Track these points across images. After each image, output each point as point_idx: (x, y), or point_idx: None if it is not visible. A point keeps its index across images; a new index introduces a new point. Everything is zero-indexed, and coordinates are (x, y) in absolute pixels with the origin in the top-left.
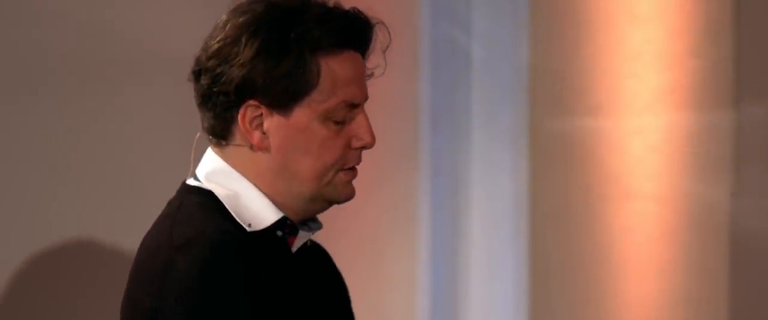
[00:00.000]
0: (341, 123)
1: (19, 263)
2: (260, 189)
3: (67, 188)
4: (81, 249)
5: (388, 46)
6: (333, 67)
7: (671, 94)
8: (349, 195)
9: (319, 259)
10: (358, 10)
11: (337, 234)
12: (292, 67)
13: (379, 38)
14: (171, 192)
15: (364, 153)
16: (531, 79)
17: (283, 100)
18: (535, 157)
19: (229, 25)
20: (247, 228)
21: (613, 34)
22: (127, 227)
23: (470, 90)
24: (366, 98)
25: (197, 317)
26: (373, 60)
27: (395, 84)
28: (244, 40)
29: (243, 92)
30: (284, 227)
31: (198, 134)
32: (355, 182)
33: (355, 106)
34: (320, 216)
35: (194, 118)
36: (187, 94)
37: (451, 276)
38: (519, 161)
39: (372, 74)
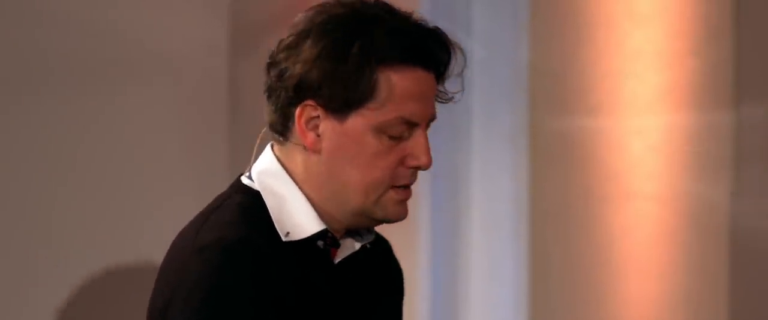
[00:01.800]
0: (397, 139)
1: (19, 263)
2: (308, 196)
3: (67, 188)
4: (81, 248)
5: (463, 70)
6: (394, 81)
7: (671, 94)
8: (400, 215)
9: (376, 260)
10: (439, 30)
11: None
12: (350, 73)
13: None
14: (171, 192)
15: None
16: (531, 79)
17: (338, 105)
18: (535, 156)
19: (304, 22)
20: (284, 238)
21: (613, 34)
22: (128, 226)
23: (470, 90)
24: (430, 118)
25: None
26: (456, 83)
27: None
28: (310, 38)
29: (301, 91)
30: (325, 238)
31: (263, 129)
32: None
33: (413, 124)
34: None
35: (194, 117)
36: (187, 94)
37: (451, 277)
38: (519, 161)
39: (452, 98)
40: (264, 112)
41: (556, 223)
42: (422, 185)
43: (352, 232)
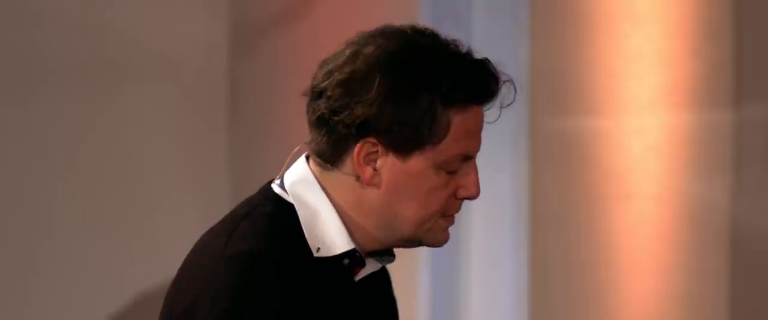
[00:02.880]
0: (453, 173)
1: (19, 262)
2: (341, 215)
3: (66, 187)
4: (81, 248)
5: (511, 103)
6: (458, 121)
7: (671, 94)
8: (445, 241)
9: (380, 284)
10: (489, 62)
11: None
12: (421, 116)
13: (502, 93)
14: (170, 191)
15: None
16: (531, 79)
17: (405, 146)
18: (535, 157)
19: (358, 58)
20: (315, 253)
21: (613, 34)
22: (128, 226)
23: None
24: (479, 150)
25: None
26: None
27: None
28: (376, 79)
29: (365, 129)
30: (352, 257)
31: (297, 147)
32: None
33: (469, 157)
34: None
35: (193, 117)
36: (186, 94)
37: (451, 277)
38: (519, 161)
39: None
40: (311, 138)
41: (556, 223)
42: None
43: (373, 253)
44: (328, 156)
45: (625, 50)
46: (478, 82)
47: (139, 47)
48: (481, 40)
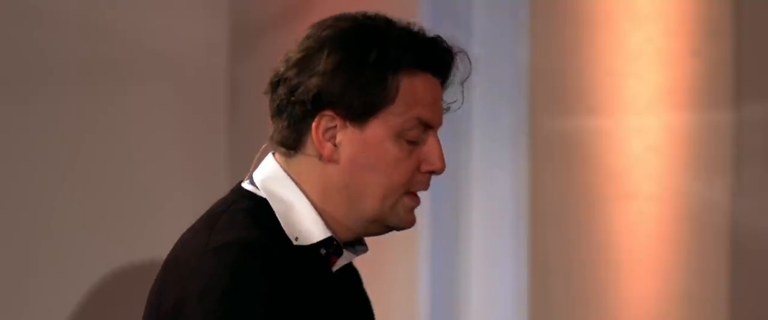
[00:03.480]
0: (414, 144)
1: (19, 262)
2: (314, 205)
3: (66, 187)
4: (81, 248)
5: (467, 78)
6: (411, 85)
7: (671, 94)
8: (411, 223)
9: (352, 280)
10: (442, 38)
11: None
12: (371, 80)
13: (459, 69)
14: (170, 191)
15: None
16: (531, 79)
17: (359, 112)
18: (535, 157)
19: (311, 39)
20: (294, 242)
21: (613, 34)
22: (127, 226)
23: (470, 90)
24: (440, 124)
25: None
26: (451, 93)
27: None
28: (325, 52)
29: (319, 102)
30: (329, 246)
31: (264, 145)
32: None
33: (428, 127)
34: None
35: (193, 117)
36: (186, 94)
37: (451, 276)
38: (519, 161)
39: (449, 108)
40: (273, 130)
41: (556, 223)
42: None
43: (347, 244)
44: (291, 141)
45: (625, 49)
46: (425, 48)
47: (139, 47)
48: (481, 40)
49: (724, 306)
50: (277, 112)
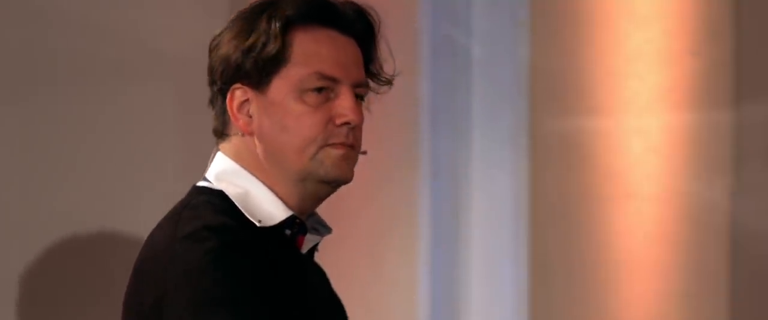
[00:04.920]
0: (322, 98)
1: (19, 262)
2: (268, 187)
3: (67, 188)
4: (81, 248)
5: (378, 29)
6: (305, 41)
7: (671, 94)
8: (342, 174)
9: (322, 274)
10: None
11: (338, 235)
12: (263, 40)
13: (367, 25)
14: (170, 191)
15: (363, 158)
16: (531, 79)
17: (260, 77)
18: (535, 156)
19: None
20: (258, 224)
21: (613, 34)
22: (128, 226)
23: (470, 90)
24: (351, 79)
25: (200, 304)
26: (389, 68)
27: (395, 84)
28: (226, 30)
29: (228, 77)
30: (292, 226)
31: (213, 150)
32: (354, 182)
33: (333, 80)
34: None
35: (193, 117)
36: (187, 94)
37: (451, 277)
38: (519, 161)
39: (390, 81)
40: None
41: (556, 223)
42: (422, 185)
43: (312, 228)
44: (219, 126)
45: (625, 49)
46: (319, 3)
47: (140, 47)
48: (481, 40)
49: (723, 305)
50: (211, 107)
